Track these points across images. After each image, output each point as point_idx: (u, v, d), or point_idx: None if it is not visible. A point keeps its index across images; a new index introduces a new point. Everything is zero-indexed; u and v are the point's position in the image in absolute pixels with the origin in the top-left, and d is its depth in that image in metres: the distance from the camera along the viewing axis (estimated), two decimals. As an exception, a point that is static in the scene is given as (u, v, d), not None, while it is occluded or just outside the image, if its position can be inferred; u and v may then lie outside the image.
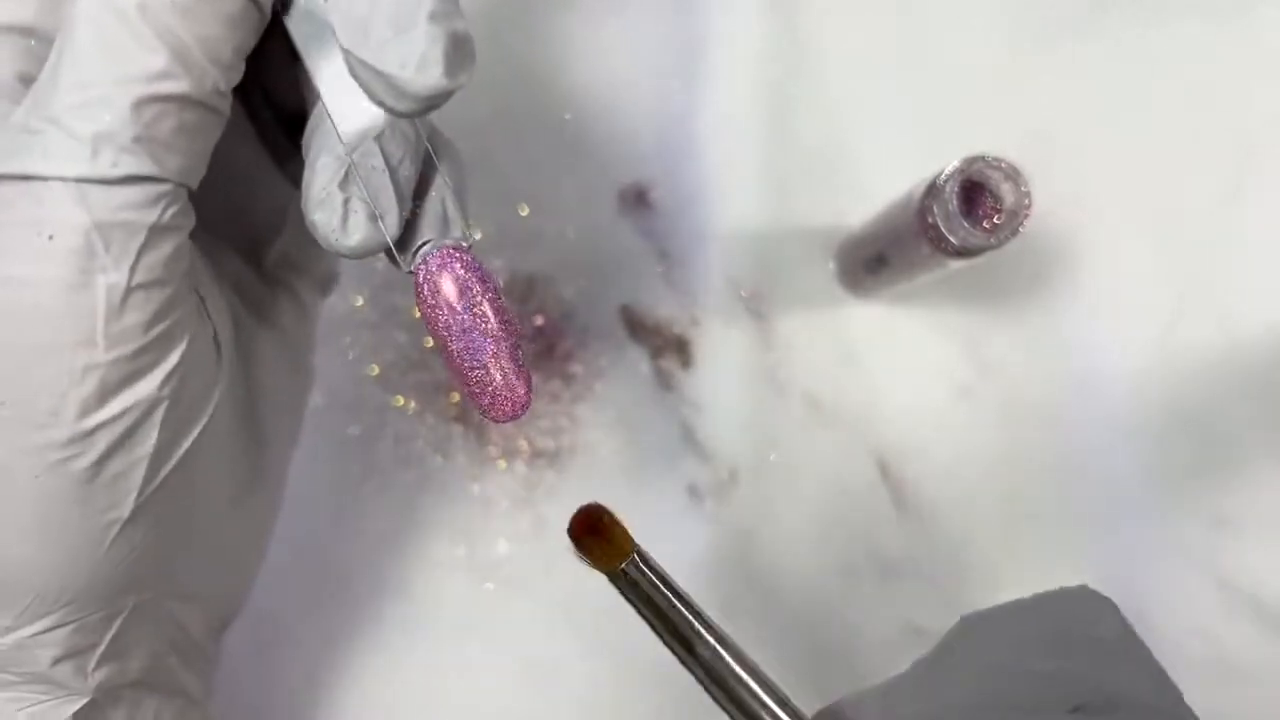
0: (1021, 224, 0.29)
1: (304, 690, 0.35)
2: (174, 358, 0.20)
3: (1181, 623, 0.36)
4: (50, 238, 0.18)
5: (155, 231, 0.19)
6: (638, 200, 0.38)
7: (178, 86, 0.18)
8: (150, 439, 0.20)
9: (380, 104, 0.18)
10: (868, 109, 0.39)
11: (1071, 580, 0.37)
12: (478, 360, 0.20)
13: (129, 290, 0.18)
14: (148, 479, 0.20)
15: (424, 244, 0.21)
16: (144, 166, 0.18)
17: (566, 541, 0.36)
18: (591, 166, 0.38)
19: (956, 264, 0.31)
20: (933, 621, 0.36)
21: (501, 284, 0.20)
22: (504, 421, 0.21)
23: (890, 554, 0.37)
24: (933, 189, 0.30)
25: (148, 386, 0.19)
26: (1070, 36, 0.39)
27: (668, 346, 0.37)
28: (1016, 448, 0.37)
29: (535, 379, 0.33)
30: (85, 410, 0.19)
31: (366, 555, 0.36)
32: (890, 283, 0.35)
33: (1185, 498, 0.37)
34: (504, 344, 0.21)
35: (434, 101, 0.18)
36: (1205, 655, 0.36)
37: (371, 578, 0.36)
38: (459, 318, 0.20)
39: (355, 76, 0.18)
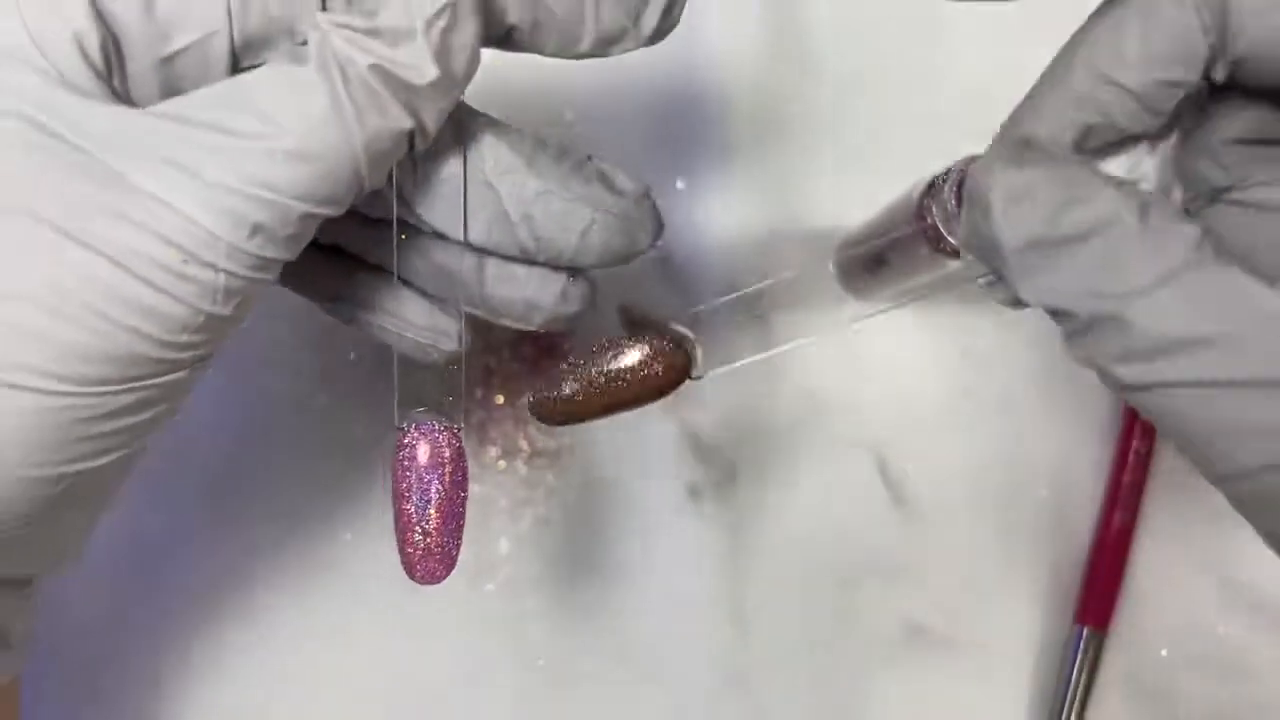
0: (1020, 224, 0.29)
1: (303, 691, 0.35)
2: (201, 376, 0.22)
3: (1181, 619, 0.37)
4: (185, 261, 0.20)
5: (259, 285, 0.21)
6: (638, 200, 0.38)
7: (336, 210, 0.21)
8: (140, 437, 0.22)
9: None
10: (868, 109, 0.39)
11: (1070, 580, 0.37)
12: (424, 523, 0.23)
13: (216, 319, 0.21)
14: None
15: (419, 410, 0.24)
16: (283, 253, 0.21)
17: (566, 543, 0.36)
18: (591, 167, 0.38)
19: (955, 264, 0.31)
20: (933, 621, 0.37)
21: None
22: (420, 583, 0.24)
23: (889, 553, 0.37)
24: (931, 189, 0.30)
25: (168, 394, 0.21)
26: (1069, 31, 0.39)
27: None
28: (1015, 446, 0.37)
29: (536, 379, 0.33)
30: (124, 382, 0.20)
31: (365, 555, 0.36)
32: (889, 283, 0.35)
33: (1184, 494, 0.37)
34: (450, 519, 0.23)
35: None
36: (1205, 652, 0.36)
37: (371, 578, 0.36)
38: (423, 484, 0.23)
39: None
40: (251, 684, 0.35)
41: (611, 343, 0.23)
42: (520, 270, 0.24)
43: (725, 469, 0.37)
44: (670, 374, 0.24)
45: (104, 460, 0.21)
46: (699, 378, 0.24)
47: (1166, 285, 0.18)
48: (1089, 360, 0.19)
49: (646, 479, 0.37)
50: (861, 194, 0.37)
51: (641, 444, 0.37)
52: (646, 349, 0.23)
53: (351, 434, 0.36)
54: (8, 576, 0.24)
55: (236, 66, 0.21)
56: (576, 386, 0.23)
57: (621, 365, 0.23)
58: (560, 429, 0.37)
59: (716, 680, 0.36)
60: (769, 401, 0.37)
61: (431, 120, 0.21)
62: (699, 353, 0.24)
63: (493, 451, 0.36)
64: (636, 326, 0.23)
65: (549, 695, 0.36)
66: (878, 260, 0.34)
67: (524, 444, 0.37)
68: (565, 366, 0.23)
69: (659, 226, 0.25)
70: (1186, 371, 0.18)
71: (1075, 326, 0.19)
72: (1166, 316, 0.18)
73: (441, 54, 0.20)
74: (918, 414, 0.37)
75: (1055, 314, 0.20)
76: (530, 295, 0.24)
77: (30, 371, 0.19)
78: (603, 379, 0.23)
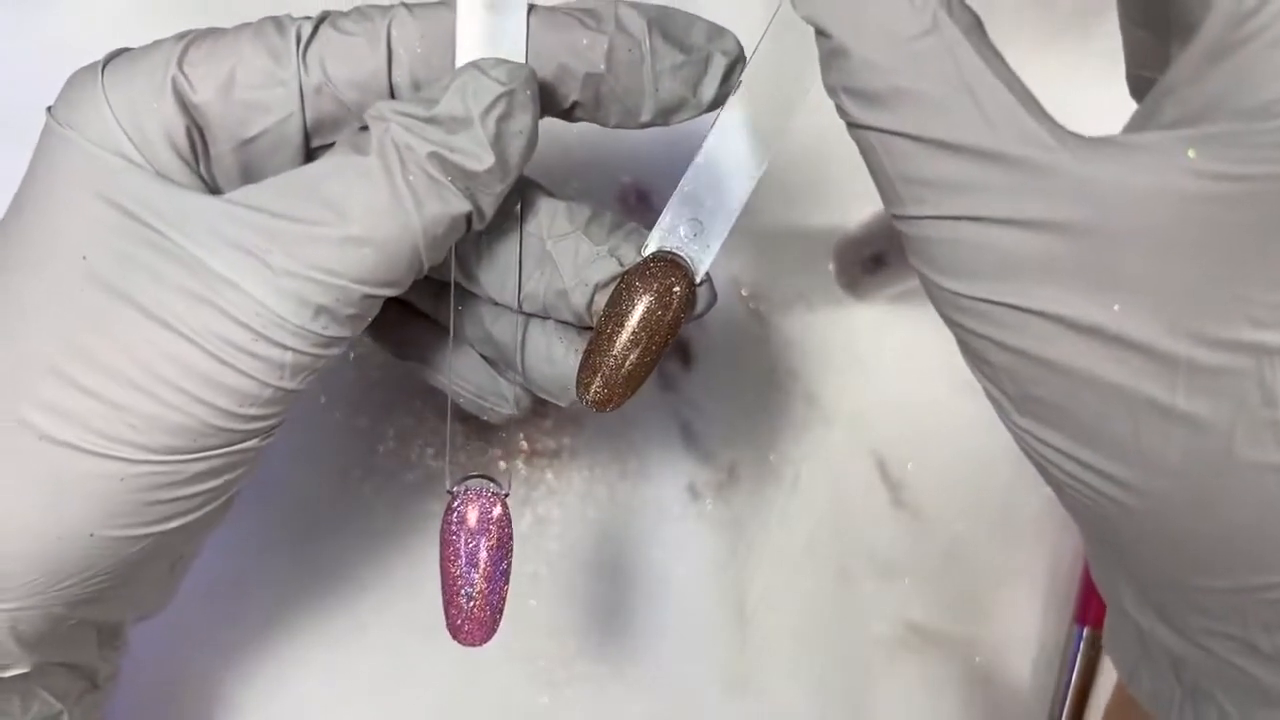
0: (1020, 224, 0.29)
1: (303, 691, 0.35)
2: (266, 443, 0.23)
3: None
4: (254, 340, 0.21)
5: (324, 360, 0.22)
6: (638, 200, 0.38)
7: (397, 290, 0.22)
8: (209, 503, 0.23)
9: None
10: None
11: (1070, 580, 0.37)
12: (468, 588, 0.24)
13: (283, 392, 0.22)
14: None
15: (470, 476, 0.25)
16: (346, 331, 0.22)
17: (566, 543, 0.36)
18: (592, 166, 0.38)
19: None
20: (933, 621, 0.37)
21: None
22: (463, 645, 0.24)
23: (889, 553, 0.37)
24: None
25: (240, 461, 0.23)
26: (1070, 35, 0.39)
27: (668, 346, 0.37)
28: (1014, 445, 0.37)
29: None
30: (197, 451, 0.21)
31: (368, 556, 0.36)
32: (888, 283, 0.36)
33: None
34: (495, 583, 0.24)
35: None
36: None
37: (373, 578, 0.36)
38: (470, 547, 0.24)
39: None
40: (252, 681, 0.35)
41: (615, 299, 0.23)
42: (559, 351, 0.24)
43: (725, 469, 0.37)
44: (681, 284, 0.24)
45: (178, 522, 0.22)
46: (704, 282, 0.24)
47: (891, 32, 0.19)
48: (828, 88, 0.21)
49: (646, 479, 0.37)
50: (861, 193, 0.37)
51: (641, 444, 0.37)
52: (646, 280, 0.23)
53: (348, 434, 0.36)
54: (98, 623, 0.26)
55: (309, 146, 0.22)
56: (614, 358, 0.23)
57: (639, 308, 0.23)
58: (560, 429, 0.37)
59: (717, 680, 0.36)
60: (769, 402, 0.37)
61: (488, 204, 0.22)
62: (687, 260, 0.24)
63: (493, 452, 0.37)
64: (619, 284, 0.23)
65: (549, 695, 0.36)
66: (876, 260, 0.34)
67: (524, 444, 0.37)
68: (590, 353, 0.23)
69: (712, 295, 0.25)
70: (889, 121, 0.20)
71: (828, 49, 0.21)
72: (885, 64, 0.20)
73: (498, 141, 0.21)
74: (918, 414, 0.37)
75: (818, 32, 0.21)
76: (565, 375, 0.25)
77: (113, 441, 0.21)
78: (629, 331, 0.23)
